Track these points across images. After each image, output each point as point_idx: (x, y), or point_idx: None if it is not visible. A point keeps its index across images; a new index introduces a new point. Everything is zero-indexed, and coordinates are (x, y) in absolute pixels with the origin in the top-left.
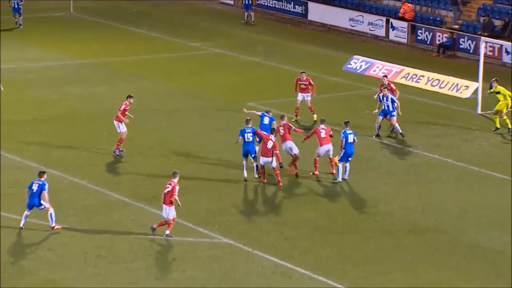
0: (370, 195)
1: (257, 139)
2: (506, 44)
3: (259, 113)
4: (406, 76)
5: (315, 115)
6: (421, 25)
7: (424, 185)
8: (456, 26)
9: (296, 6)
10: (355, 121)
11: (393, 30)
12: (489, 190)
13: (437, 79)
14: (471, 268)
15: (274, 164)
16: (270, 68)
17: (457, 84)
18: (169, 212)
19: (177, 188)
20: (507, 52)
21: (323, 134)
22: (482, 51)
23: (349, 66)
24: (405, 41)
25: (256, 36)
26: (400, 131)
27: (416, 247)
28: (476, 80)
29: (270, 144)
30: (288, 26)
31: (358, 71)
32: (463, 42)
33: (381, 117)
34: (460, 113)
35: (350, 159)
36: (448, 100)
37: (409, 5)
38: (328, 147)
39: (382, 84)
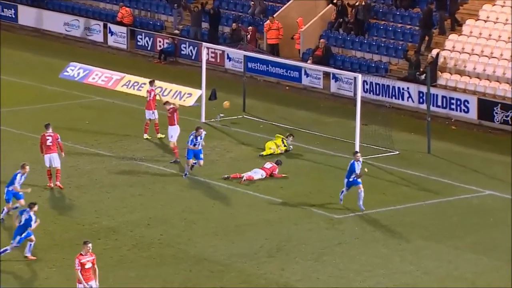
0: (93, 210)
1: None
2: (228, 50)
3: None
4: (127, 84)
5: None
6: (141, 30)
7: (149, 198)
8: (177, 32)
9: (5, 10)
10: (76, 133)
11: (111, 35)
12: (215, 200)
13: (159, 87)
14: (198, 282)
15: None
16: None
17: (180, 92)
18: None
19: None
20: (229, 58)
21: (49, 142)
22: (204, 57)
23: (66, 73)
24: (125, 47)
25: None
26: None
27: (141, 263)
28: (199, 87)
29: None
30: None
31: (76, 79)
32: (185, 48)
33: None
34: (185, 122)
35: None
36: None
37: (127, 9)
38: (53, 156)
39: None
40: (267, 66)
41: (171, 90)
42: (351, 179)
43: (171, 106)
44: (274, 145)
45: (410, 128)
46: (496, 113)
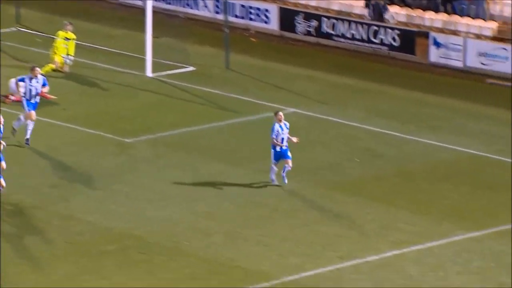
0: None
1: None
2: None
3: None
4: None
5: None
6: None
7: None
8: None
9: None
10: None
11: None
12: None
13: None
14: None
15: None
16: None
17: None
18: None
19: None
20: None
21: None
22: None
23: None
24: None
25: None
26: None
27: None
28: None
29: None
30: None
31: None
32: None
33: None
34: None
35: None
36: None
37: None
38: None
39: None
40: None
41: None
42: (278, 149)
43: None
44: (58, 60)
45: (207, 40)
46: (299, 23)
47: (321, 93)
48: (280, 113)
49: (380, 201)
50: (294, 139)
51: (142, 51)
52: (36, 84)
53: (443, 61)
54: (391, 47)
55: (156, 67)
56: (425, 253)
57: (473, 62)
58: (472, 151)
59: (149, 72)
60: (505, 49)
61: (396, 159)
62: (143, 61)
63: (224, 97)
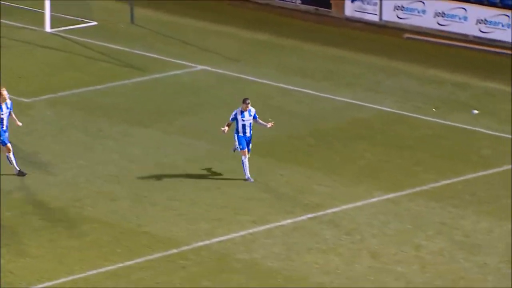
0: None
1: None
2: None
3: None
4: None
5: None
6: None
7: None
8: None
9: None
10: None
11: None
12: None
13: None
14: None
15: None
16: None
17: None
18: None
19: None
20: None
21: None
22: None
23: None
24: None
25: None
26: None
27: None
28: None
29: None
30: None
31: None
32: None
33: None
34: None
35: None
36: None
37: None
38: None
39: None
40: None
41: None
42: (241, 134)
43: None
44: None
45: None
46: None
47: (232, 50)
48: (248, 101)
49: (294, 162)
50: (269, 125)
51: (41, 5)
52: (6, 111)
53: (358, 15)
54: (305, 0)
55: (55, 22)
56: (340, 215)
57: (390, 16)
58: (388, 109)
59: (48, 28)
60: (422, 2)
61: (310, 117)
62: (41, 15)
63: (129, 54)
